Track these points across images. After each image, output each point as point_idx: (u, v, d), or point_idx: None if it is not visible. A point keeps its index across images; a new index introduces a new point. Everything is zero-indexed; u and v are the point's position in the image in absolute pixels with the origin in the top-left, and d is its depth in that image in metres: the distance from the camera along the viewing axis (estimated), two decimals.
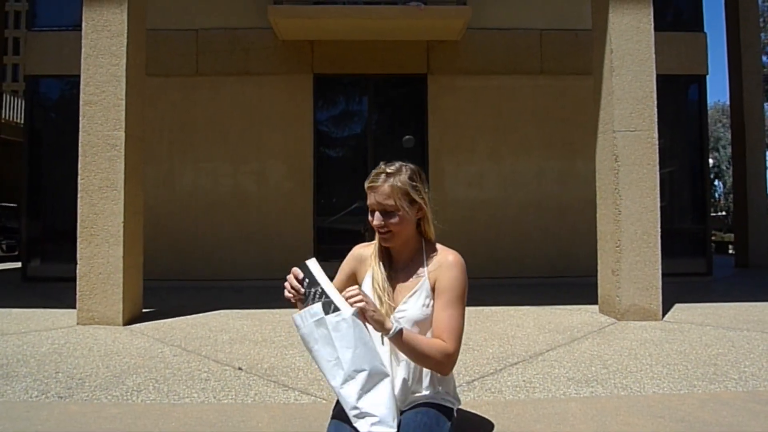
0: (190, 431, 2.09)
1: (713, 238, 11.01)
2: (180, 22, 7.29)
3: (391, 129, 7.79)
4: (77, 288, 4.36)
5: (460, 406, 1.98)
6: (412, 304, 1.80)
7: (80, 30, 4.50)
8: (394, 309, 1.82)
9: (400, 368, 1.81)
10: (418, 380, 1.82)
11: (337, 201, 7.47)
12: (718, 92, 62.93)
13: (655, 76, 4.64)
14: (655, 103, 4.62)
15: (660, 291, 4.54)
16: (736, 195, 9.64)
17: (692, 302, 5.30)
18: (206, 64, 7.28)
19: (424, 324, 1.80)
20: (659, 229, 4.58)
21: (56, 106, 7.77)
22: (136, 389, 2.77)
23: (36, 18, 7.62)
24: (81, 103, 4.44)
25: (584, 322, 4.46)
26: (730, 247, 13.11)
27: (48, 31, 7.40)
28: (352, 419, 1.60)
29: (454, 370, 1.93)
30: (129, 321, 4.44)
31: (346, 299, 1.62)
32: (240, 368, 3.17)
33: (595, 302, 4.94)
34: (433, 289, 1.81)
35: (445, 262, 1.82)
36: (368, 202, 1.82)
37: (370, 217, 1.83)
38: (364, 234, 5.81)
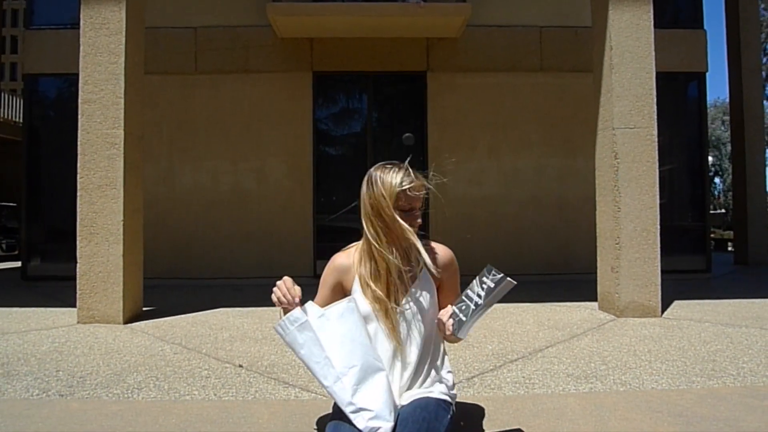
0: (191, 428, 2.10)
1: (712, 235, 11.02)
2: (179, 19, 7.29)
3: (390, 127, 7.79)
4: (77, 286, 4.37)
5: (458, 400, 1.99)
6: (418, 295, 1.88)
7: (78, 28, 4.49)
8: (400, 302, 1.86)
9: (401, 365, 1.83)
10: (419, 376, 1.85)
11: (336, 199, 7.48)
12: (717, 90, 62.95)
13: (654, 73, 4.64)
14: (655, 100, 4.62)
15: (659, 288, 4.55)
16: (735, 192, 9.65)
17: (691, 299, 5.32)
18: (205, 62, 7.28)
19: (429, 312, 1.88)
20: (658, 227, 4.58)
21: (55, 104, 7.77)
22: (137, 387, 2.78)
23: (34, 16, 7.61)
24: (80, 101, 4.44)
25: (583, 319, 4.47)
26: (729, 244, 13.13)
27: (46, 29, 7.39)
28: (349, 416, 1.61)
29: (454, 367, 1.97)
30: (129, 319, 4.45)
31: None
32: (240, 366, 3.18)
33: (595, 299, 4.95)
34: (436, 282, 1.93)
35: (445, 259, 1.95)
36: (408, 202, 1.84)
37: (402, 218, 1.83)
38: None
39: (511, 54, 7.48)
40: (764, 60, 23.71)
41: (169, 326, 4.27)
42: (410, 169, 1.87)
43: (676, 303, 5.04)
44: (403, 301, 1.85)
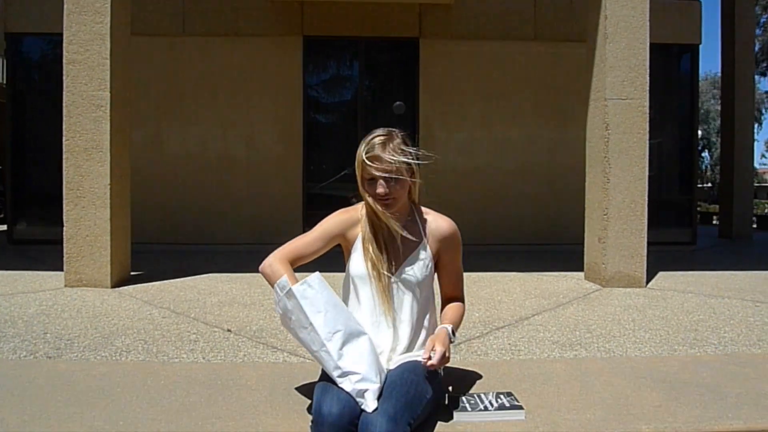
0: (179, 389, 2.12)
1: (698, 208, 11.13)
2: None
3: (381, 94, 7.70)
4: (64, 250, 4.34)
5: (446, 366, 2.02)
6: (415, 265, 1.89)
7: None
8: (395, 271, 1.87)
9: (392, 330, 1.85)
10: (409, 342, 1.88)
11: (326, 167, 7.43)
12: (709, 63, 62.77)
13: (648, 44, 4.61)
14: (648, 71, 4.60)
15: (645, 259, 4.60)
16: (722, 167, 9.69)
17: (676, 270, 5.39)
18: (194, 23, 7.11)
19: (423, 283, 1.91)
20: (646, 199, 4.61)
21: (39, 65, 7.57)
22: (125, 350, 2.79)
23: None
24: (64, 61, 4.33)
25: (570, 288, 4.52)
26: (715, 218, 13.27)
27: None
28: (336, 380, 1.63)
29: None
30: (117, 283, 4.44)
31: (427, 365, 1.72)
32: (229, 330, 3.19)
33: (582, 269, 5.00)
34: (434, 255, 1.92)
35: (446, 231, 1.93)
36: (368, 172, 1.80)
37: (364, 187, 1.83)
38: (351, 200, 5.81)
39: (505, 22, 7.37)
40: (758, 33, 23.66)
41: (157, 290, 4.27)
42: (384, 139, 1.79)
43: (660, 274, 5.11)
44: (398, 268, 1.87)
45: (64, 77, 4.33)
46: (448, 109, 7.38)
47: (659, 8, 5.36)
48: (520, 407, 1.88)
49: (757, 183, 32.45)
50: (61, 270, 4.37)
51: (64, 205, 4.34)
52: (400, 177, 1.80)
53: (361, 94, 7.59)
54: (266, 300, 3.96)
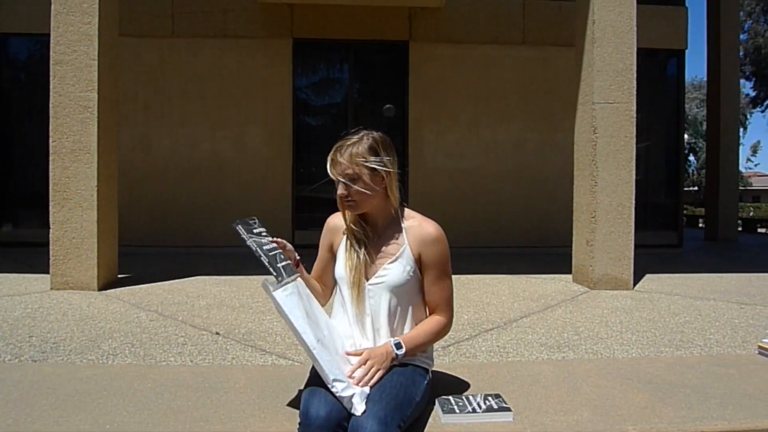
0: (167, 392, 2.10)
1: (685, 212, 11.25)
2: None
3: (371, 97, 7.71)
4: (50, 252, 4.30)
5: (434, 368, 2.03)
6: (393, 269, 1.84)
7: None
8: (373, 274, 1.86)
9: (374, 334, 1.85)
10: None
11: (316, 170, 7.42)
12: (695, 68, 63.48)
13: (635, 48, 4.66)
14: (635, 76, 4.65)
15: (632, 261, 4.64)
16: (708, 170, 9.81)
17: (662, 273, 5.44)
18: (182, 25, 7.08)
19: (402, 288, 1.85)
20: (633, 202, 4.66)
21: (26, 66, 7.51)
22: (112, 353, 2.76)
23: None
24: (51, 62, 4.30)
25: (558, 291, 4.55)
26: (701, 220, 13.42)
27: None
28: (329, 385, 1.61)
29: None
30: (104, 286, 4.40)
31: (358, 383, 1.67)
32: (217, 333, 3.18)
33: (569, 272, 5.03)
34: (417, 260, 1.86)
35: (429, 236, 1.84)
36: (330, 174, 1.84)
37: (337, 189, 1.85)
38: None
39: (493, 26, 7.43)
40: (743, 38, 23.97)
41: (145, 293, 4.24)
42: (350, 143, 1.80)
43: (647, 276, 5.16)
44: (377, 273, 1.85)
45: (51, 78, 4.29)
46: (437, 112, 7.40)
47: (646, 14, 5.43)
48: (508, 409, 1.88)
49: (743, 186, 32.81)
50: (47, 272, 4.33)
51: (50, 207, 4.30)
52: (358, 180, 1.78)
53: (351, 97, 7.59)
54: (255, 303, 3.95)
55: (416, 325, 1.89)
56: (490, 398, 1.94)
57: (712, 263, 6.65)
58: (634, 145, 4.67)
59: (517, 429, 1.81)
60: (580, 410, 1.97)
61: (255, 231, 1.86)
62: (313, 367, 1.72)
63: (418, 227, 1.87)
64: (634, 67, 4.64)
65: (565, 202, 5.26)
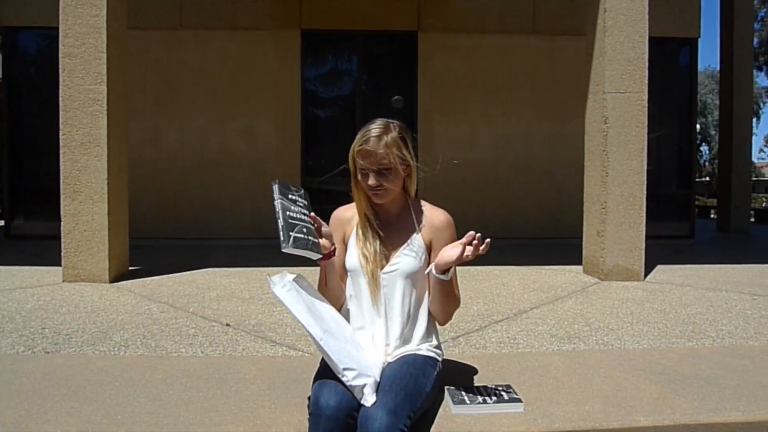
0: (177, 382, 2.11)
1: (696, 202, 11.15)
2: None
3: (380, 88, 7.67)
4: (62, 245, 4.33)
5: (444, 358, 2.02)
6: (406, 257, 1.86)
7: None
8: (386, 264, 1.86)
9: (387, 323, 1.85)
10: (406, 334, 1.87)
11: (325, 161, 7.42)
12: (708, 57, 62.70)
13: (647, 37, 4.60)
14: (647, 65, 4.59)
15: (643, 252, 4.60)
16: (720, 160, 9.70)
17: (674, 264, 5.40)
18: (191, 17, 7.07)
19: (414, 276, 1.86)
20: (645, 192, 4.61)
21: (36, 59, 7.54)
22: (123, 344, 2.78)
23: None
24: (60, 55, 4.30)
25: (568, 282, 4.53)
26: (712, 211, 13.29)
27: None
28: (338, 374, 1.61)
29: (440, 327, 2.00)
30: (115, 278, 4.43)
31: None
32: (228, 324, 3.19)
33: (580, 263, 5.00)
34: (428, 247, 1.88)
35: (439, 223, 1.88)
36: (359, 163, 1.80)
37: (357, 179, 1.83)
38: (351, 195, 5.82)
39: (503, 15, 7.36)
40: (756, 28, 23.64)
41: (155, 285, 4.26)
42: (379, 131, 1.77)
43: (659, 267, 5.12)
44: (390, 262, 1.86)
45: (60, 71, 4.31)
46: (446, 102, 7.36)
47: (658, 2, 5.35)
48: (519, 400, 1.88)
49: (755, 177, 32.48)
50: (59, 265, 4.36)
51: (61, 200, 4.33)
52: (392, 169, 1.78)
53: (360, 88, 7.56)
54: (265, 294, 3.95)
55: (428, 311, 1.91)
56: (500, 389, 1.93)
57: (724, 254, 6.59)
58: (646, 135, 4.61)
59: (528, 420, 1.80)
60: (592, 401, 1.95)
61: (290, 197, 1.78)
62: (323, 358, 1.72)
63: (428, 215, 1.90)
64: (646, 56, 4.58)
65: (576, 192, 5.22)
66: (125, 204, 4.76)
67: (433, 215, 1.90)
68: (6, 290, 4.00)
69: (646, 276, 4.67)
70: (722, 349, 2.75)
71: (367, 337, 1.86)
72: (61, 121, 4.31)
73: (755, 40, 21.74)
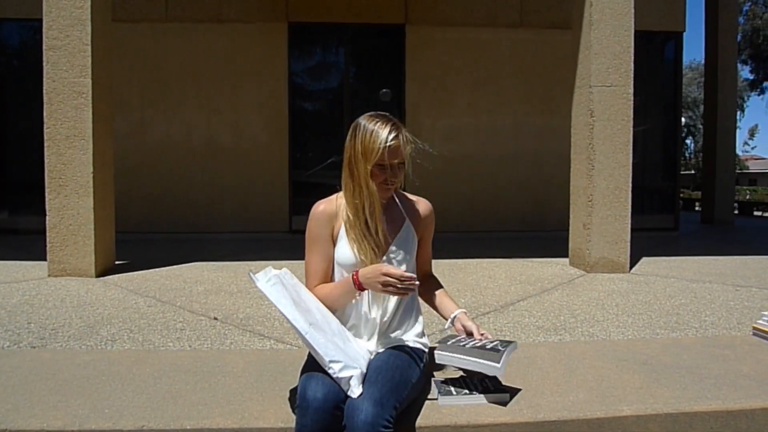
0: (165, 376, 2.11)
1: (681, 195, 11.27)
2: None
3: (368, 81, 7.66)
4: (47, 239, 4.29)
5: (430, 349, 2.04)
6: (401, 245, 1.92)
7: None
8: (383, 253, 1.88)
9: (379, 314, 1.86)
10: (395, 325, 1.89)
11: (313, 155, 7.40)
12: (692, 52, 63.17)
13: (633, 31, 4.63)
14: (632, 58, 4.62)
15: (628, 245, 4.66)
16: (705, 153, 9.80)
17: (658, 256, 5.47)
18: (176, 9, 7.00)
19: (410, 262, 1.95)
20: (630, 185, 4.66)
21: (19, 51, 7.43)
22: (111, 339, 2.77)
23: None
24: (44, 48, 4.25)
25: (555, 274, 4.57)
26: (697, 204, 13.43)
27: None
28: (325, 366, 1.62)
29: (427, 319, 2.05)
30: (102, 273, 4.40)
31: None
32: (215, 318, 3.19)
33: (566, 255, 5.05)
34: (417, 234, 1.99)
35: (424, 211, 2.01)
36: (384, 159, 1.78)
37: (373, 173, 1.80)
38: (338, 188, 5.82)
39: (490, 8, 7.36)
40: (741, 22, 23.85)
41: (142, 279, 4.24)
42: (398, 127, 1.83)
43: (644, 259, 5.18)
44: (386, 250, 1.87)
45: (44, 64, 4.26)
46: (434, 95, 7.37)
47: None
48: (505, 390, 1.90)
49: (739, 170, 32.85)
50: (45, 260, 4.33)
51: (46, 194, 4.29)
52: (403, 163, 1.85)
53: (347, 81, 7.54)
54: (252, 288, 3.93)
55: (416, 302, 2.00)
56: (486, 380, 1.95)
57: (708, 246, 6.68)
58: (632, 129, 4.66)
59: (514, 410, 1.83)
60: (576, 391, 1.98)
61: (460, 344, 1.89)
62: (308, 355, 1.73)
63: (414, 204, 2.01)
64: (632, 50, 4.62)
65: (563, 185, 5.26)
66: (111, 198, 4.72)
67: (418, 204, 2.01)
68: None
69: (631, 268, 4.73)
70: (705, 340, 2.80)
71: (358, 328, 1.87)
72: (45, 114, 4.27)
73: (739, 34, 21.91)
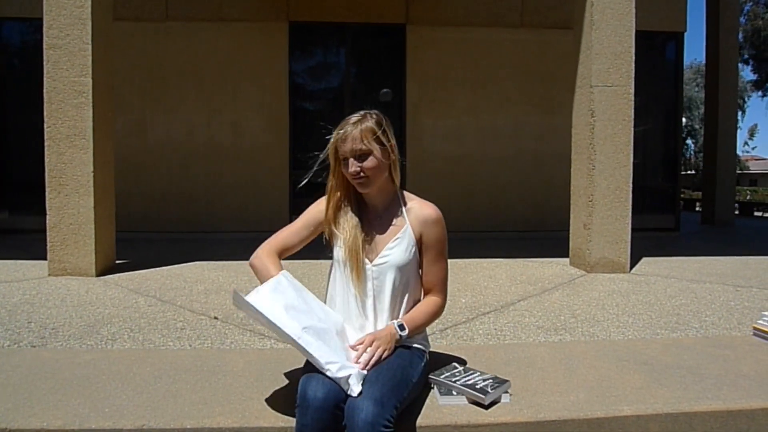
0: (165, 375, 2.11)
1: (682, 195, 11.26)
2: None
3: (368, 81, 7.65)
4: (48, 239, 4.29)
5: (431, 350, 2.04)
6: (396, 249, 1.86)
7: None
8: (375, 256, 1.86)
9: (374, 314, 1.86)
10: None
11: (314, 155, 7.38)
12: (693, 52, 63.18)
13: (634, 31, 4.63)
14: (633, 58, 4.62)
15: (629, 245, 4.65)
16: (706, 154, 9.79)
17: (659, 256, 5.46)
18: (177, 8, 7.01)
19: (405, 268, 1.87)
20: (631, 185, 4.66)
21: (20, 50, 7.42)
22: (111, 338, 2.77)
23: None
24: (44, 47, 4.25)
25: (555, 274, 4.57)
26: (698, 204, 13.43)
27: None
28: (321, 368, 1.61)
29: None
30: (102, 272, 4.40)
31: (365, 366, 1.68)
32: (216, 317, 3.19)
33: (567, 255, 5.05)
34: (418, 241, 1.89)
35: (430, 217, 1.88)
36: (340, 153, 1.83)
37: (340, 169, 1.85)
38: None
39: (491, 8, 7.36)
40: (742, 21, 23.83)
41: (143, 279, 4.24)
42: (356, 120, 1.82)
43: (644, 260, 5.18)
44: (380, 254, 1.86)
45: (44, 63, 4.26)
46: (435, 95, 7.37)
47: None
48: (505, 390, 1.90)
49: (740, 170, 32.83)
50: (45, 259, 4.33)
51: (46, 193, 4.29)
52: (370, 154, 1.80)
53: (348, 81, 7.54)
54: (253, 287, 3.94)
55: (414, 302, 1.93)
56: (487, 380, 1.95)
57: (709, 247, 6.67)
58: (632, 129, 4.65)
59: (514, 410, 1.83)
60: (576, 391, 1.98)
61: (451, 380, 1.92)
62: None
63: (418, 209, 1.90)
64: (633, 50, 4.62)
65: (563, 185, 5.26)
66: (112, 197, 4.72)
67: (423, 209, 1.90)
68: None
69: (631, 268, 4.72)
70: (705, 340, 2.79)
71: (355, 327, 1.87)
72: (45, 113, 4.27)
73: (741, 34, 21.90)
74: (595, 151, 4.60)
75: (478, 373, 1.97)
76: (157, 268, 4.66)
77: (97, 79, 4.35)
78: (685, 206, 12.77)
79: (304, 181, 1.97)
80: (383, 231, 1.89)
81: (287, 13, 7.14)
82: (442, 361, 2.14)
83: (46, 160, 4.29)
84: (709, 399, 1.93)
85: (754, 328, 2.75)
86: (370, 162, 1.80)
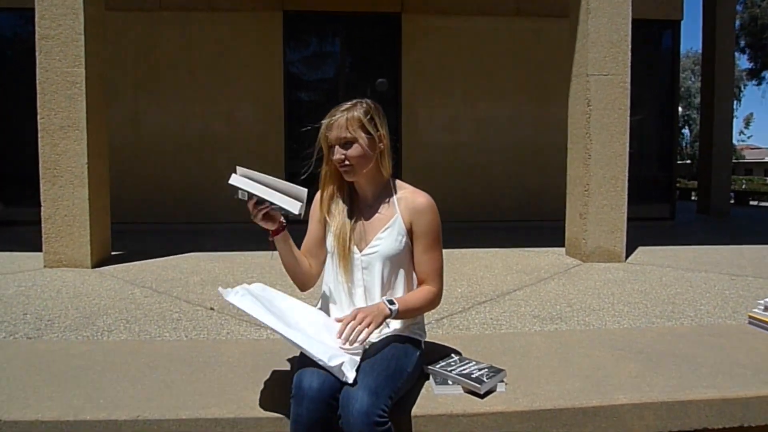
0: (161, 366, 2.11)
1: (678, 185, 11.28)
2: None
3: (363, 70, 7.61)
4: (43, 230, 4.27)
5: (427, 340, 2.04)
6: (385, 239, 1.84)
7: None
8: (365, 245, 1.85)
9: (366, 305, 1.85)
10: None
11: (309, 145, 7.35)
12: (689, 41, 63.05)
13: (630, 19, 4.60)
14: (630, 47, 4.60)
15: (624, 234, 4.66)
16: (701, 143, 9.78)
17: (654, 245, 5.48)
18: None
19: (395, 258, 1.85)
20: (627, 174, 4.66)
21: (12, 41, 7.35)
22: (107, 329, 2.77)
23: None
24: (36, 37, 4.21)
25: (551, 264, 4.57)
26: (693, 193, 13.47)
27: None
28: (314, 358, 1.60)
29: None
30: (98, 263, 4.39)
31: (347, 340, 1.66)
32: (212, 308, 3.19)
33: (562, 245, 5.05)
34: (408, 230, 1.86)
35: (420, 205, 1.85)
36: (329, 139, 1.83)
37: (329, 159, 1.86)
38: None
39: None
40: (739, 10, 23.76)
41: (138, 270, 4.23)
42: (344, 109, 1.82)
43: (640, 249, 5.19)
44: (369, 243, 1.85)
45: (37, 53, 4.21)
46: (430, 85, 7.33)
47: None
48: (501, 379, 1.90)
49: (736, 159, 32.91)
50: (40, 251, 4.31)
51: (41, 185, 4.26)
52: (355, 142, 1.79)
53: (343, 71, 7.50)
54: (249, 279, 3.94)
55: (406, 292, 1.91)
56: (482, 369, 1.95)
57: (704, 235, 6.69)
58: (629, 118, 4.65)
59: (510, 399, 1.83)
60: (572, 380, 1.99)
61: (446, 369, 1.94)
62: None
63: (410, 197, 1.87)
64: (629, 39, 4.60)
65: (559, 175, 5.25)
66: (106, 188, 4.70)
67: (415, 198, 1.86)
68: None
69: (627, 257, 4.73)
70: (700, 328, 2.81)
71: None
72: (38, 104, 4.23)
73: (737, 22, 21.84)
74: (591, 140, 4.59)
75: (474, 363, 1.97)
76: (153, 259, 4.65)
77: (90, 69, 4.31)
78: (680, 195, 12.79)
79: (307, 173, 1.94)
80: (373, 220, 1.88)
81: (281, 2, 7.08)
82: (438, 350, 2.14)
83: (40, 151, 4.26)
84: (705, 387, 1.94)
85: (750, 317, 2.76)
86: (354, 150, 1.79)
